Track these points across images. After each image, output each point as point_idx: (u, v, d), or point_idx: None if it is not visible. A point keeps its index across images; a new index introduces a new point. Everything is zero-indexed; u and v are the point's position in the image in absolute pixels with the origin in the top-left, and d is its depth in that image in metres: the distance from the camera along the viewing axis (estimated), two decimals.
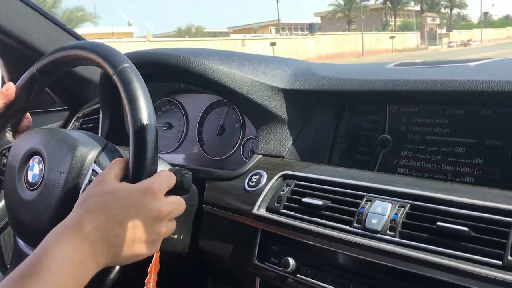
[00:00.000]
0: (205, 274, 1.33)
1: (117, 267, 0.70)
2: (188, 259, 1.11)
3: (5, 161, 0.90)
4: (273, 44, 32.07)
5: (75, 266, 0.58)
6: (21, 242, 0.86)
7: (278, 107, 1.05)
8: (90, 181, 0.78)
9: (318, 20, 78.50)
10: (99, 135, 1.30)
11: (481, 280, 0.63)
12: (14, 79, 0.98)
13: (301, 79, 1.06)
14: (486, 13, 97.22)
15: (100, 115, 1.31)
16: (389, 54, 44.35)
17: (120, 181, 0.69)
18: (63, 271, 0.56)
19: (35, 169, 0.84)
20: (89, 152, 0.81)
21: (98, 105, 1.37)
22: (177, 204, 0.71)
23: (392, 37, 47.04)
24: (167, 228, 0.69)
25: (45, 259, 0.57)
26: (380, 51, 47.09)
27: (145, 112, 0.71)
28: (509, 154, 0.80)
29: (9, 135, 0.91)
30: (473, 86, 0.80)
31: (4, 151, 0.90)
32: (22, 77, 0.88)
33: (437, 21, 63.18)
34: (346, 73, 1.02)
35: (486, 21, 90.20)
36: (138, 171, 0.69)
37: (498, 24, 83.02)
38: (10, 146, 0.89)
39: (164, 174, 0.70)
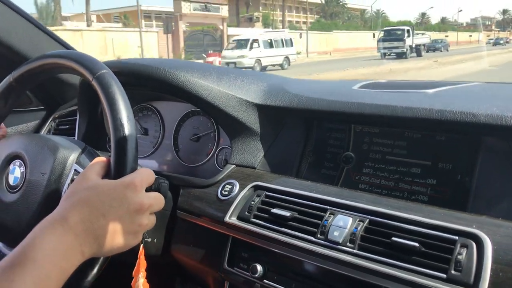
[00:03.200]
0: (173, 273, 1.37)
1: (101, 261, 0.73)
2: (158, 260, 1.15)
3: None
4: None
5: (60, 257, 0.60)
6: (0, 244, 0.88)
7: (252, 120, 1.10)
8: (72, 180, 0.80)
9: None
10: (76, 137, 1.32)
11: None
12: None
13: (274, 95, 1.11)
14: (423, 14, 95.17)
15: (78, 118, 1.33)
16: None
17: (102, 178, 0.72)
18: (47, 262, 0.58)
19: (16, 172, 0.86)
20: (70, 153, 0.84)
21: (75, 107, 1.37)
22: (157, 199, 0.75)
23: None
24: (148, 220, 0.73)
25: (31, 250, 0.59)
26: None
27: (125, 113, 0.74)
28: (458, 177, 0.87)
29: None
30: (429, 114, 0.87)
31: None
32: None
33: (224, 12, 33.92)
34: (315, 92, 1.08)
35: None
36: (120, 168, 0.72)
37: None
38: None
39: (144, 171, 0.74)
